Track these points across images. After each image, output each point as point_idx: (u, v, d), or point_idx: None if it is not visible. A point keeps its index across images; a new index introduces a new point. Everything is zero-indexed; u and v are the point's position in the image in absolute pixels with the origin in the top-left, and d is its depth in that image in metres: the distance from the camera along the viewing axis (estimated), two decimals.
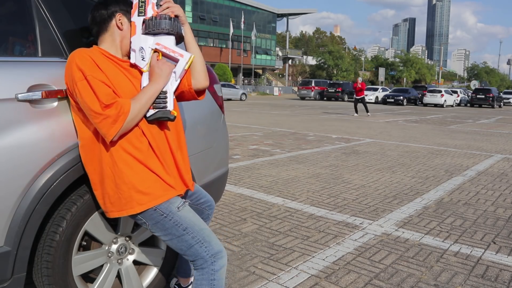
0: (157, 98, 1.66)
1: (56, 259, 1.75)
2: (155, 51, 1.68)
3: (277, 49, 65.78)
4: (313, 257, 2.91)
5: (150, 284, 2.14)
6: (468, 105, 33.38)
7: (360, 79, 17.57)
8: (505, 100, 36.03)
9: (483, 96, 31.53)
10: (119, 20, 1.71)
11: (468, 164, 6.75)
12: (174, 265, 2.20)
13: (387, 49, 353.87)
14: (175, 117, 1.68)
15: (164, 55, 1.69)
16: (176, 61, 1.70)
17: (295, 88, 49.88)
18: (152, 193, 1.65)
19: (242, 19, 50.25)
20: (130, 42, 1.69)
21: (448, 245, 3.20)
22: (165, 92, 1.68)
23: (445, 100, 29.69)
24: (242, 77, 54.34)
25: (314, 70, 64.17)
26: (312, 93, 35.73)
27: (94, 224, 1.86)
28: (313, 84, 36.18)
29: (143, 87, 1.66)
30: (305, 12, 66.81)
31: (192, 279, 2.25)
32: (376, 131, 11.49)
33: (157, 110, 1.66)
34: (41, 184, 1.68)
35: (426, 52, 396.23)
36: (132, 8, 1.70)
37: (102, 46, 1.71)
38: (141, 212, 1.66)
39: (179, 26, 1.70)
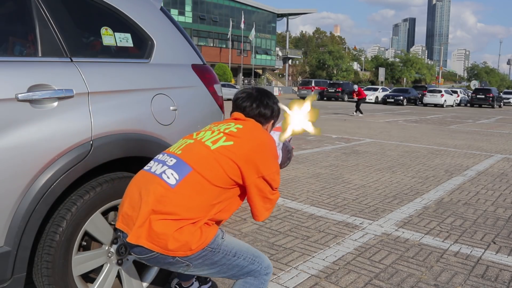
0: None
1: (56, 259, 1.75)
2: None
3: (277, 49, 65.76)
4: (313, 257, 2.91)
5: (150, 284, 2.13)
6: (468, 105, 33.37)
7: (355, 87, 18.39)
8: (505, 100, 36.00)
9: (483, 96, 31.51)
10: (270, 126, 1.92)
11: (468, 164, 6.75)
12: None
13: (387, 49, 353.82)
14: None
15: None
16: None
17: (295, 88, 49.87)
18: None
19: (242, 19, 50.23)
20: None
21: (448, 245, 3.20)
22: None
23: (445, 100, 29.67)
24: (242, 77, 54.32)
25: (314, 70, 64.15)
26: (312, 93, 35.69)
27: (94, 224, 1.86)
28: (313, 84, 36.17)
29: None
30: (305, 12, 66.77)
31: (193, 280, 2.24)
32: (376, 131, 11.49)
33: None
34: (41, 184, 1.68)
35: (426, 52, 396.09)
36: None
37: None
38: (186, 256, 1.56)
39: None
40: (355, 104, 18.60)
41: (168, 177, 1.57)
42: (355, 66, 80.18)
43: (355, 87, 18.51)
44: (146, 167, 1.69)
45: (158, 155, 1.73)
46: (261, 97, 1.83)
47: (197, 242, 1.54)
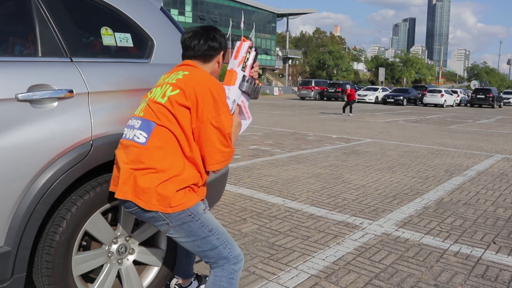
0: None
1: (56, 259, 1.75)
2: (237, 106, 1.91)
3: (277, 49, 65.77)
4: (313, 257, 2.91)
5: (150, 284, 2.14)
6: (468, 105, 33.37)
7: (348, 86, 18.30)
8: (505, 100, 36.00)
9: (483, 96, 31.51)
10: (221, 58, 1.89)
11: (468, 164, 6.75)
12: (174, 265, 2.20)
13: (387, 49, 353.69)
14: None
15: (241, 111, 1.94)
16: (244, 119, 1.97)
17: (295, 88, 49.86)
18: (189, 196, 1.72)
19: (242, 19, 50.22)
20: (227, 91, 1.84)
21: (448, 245, 3.20)
22: None
23: (445, 100, 29.67)
24: None
25: (314, 70, 64.16)
26: (312, 93, 35.71)
27: (94, 224, 1.86)
28: (313, 84, 36.16)
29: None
30: (305, 12, 66.79)
31: (192, 279, 2.26)
32: (376, 131, 11.49)
33: None
34: (41, 184, 1.68)
35: (426, 52, 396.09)
36: (225, 52, 1.91)
37: None
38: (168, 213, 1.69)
39: (258, 93, 1.98)
40: (344, 104, 18.40)
41: (138, 138, 1.71)
42: (361, 66, 79.93)
43: (348, 86, 18.32)
44: (122, 136, 1.81)
45: (129, 121, 1.83)
46: (206, 31, 1.85)
47: (178, 201, 1.66)
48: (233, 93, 1.87)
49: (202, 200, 1.82)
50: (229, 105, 1.82)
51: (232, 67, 1.90)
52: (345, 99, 18.39)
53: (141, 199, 1.66)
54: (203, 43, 1.82)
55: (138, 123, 1.74)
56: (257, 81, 1.96)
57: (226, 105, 1.74)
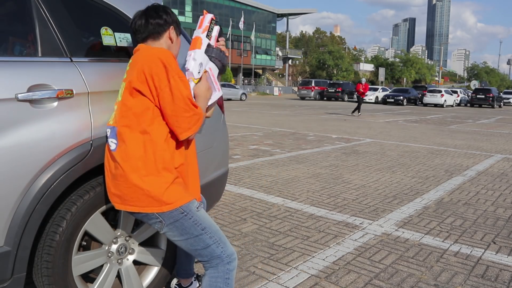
0: None
1: (56, 259, 1.75)
2: (205, 72, 1.87)
3: (277, 49, 65.79)
4: (313, 257, 2.91)
5: (150, 284, 2.14)
6: (468, 105, 33.37)
7: (363, 80, 17.58)
8: (505, 100, 36.00)
9: (483, 96, 31.51)
10: (172, 33, 1.84)
11: (468, 164, 6.75)
12: (174, 265, 2.20)
13: (387, 49, 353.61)
14: None
15: (209, 80, 1.88)
16: (214, 90, 1.91)
17: (295, 88, 49.87)
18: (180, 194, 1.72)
19: (242, 19, 50.23)
20: (192, 54, 1.82)
21: (448, 245, 3.20)
22: None
23: (445, 100, 29.67)
24: (242, 77, 54.34)
25: (314, 70, 64.18)
26: (312, 93, 35.71)
27: (94, 224, 1.86)
28: (313, 84, 36.16)
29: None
30: (305, 12, 66.80)
31: (192, 279, 2.25)
32: (376, 131, 11.49)
33: None
34: (41, 184, 1.68)
35: (426, 52, 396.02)
36: (178, 23, 1.88)
37: None
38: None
39: (226, 67, 1.97)
40: (357, 102, 17.85)
41: (111, 146, 1.74)
42: (369, 67, 79.51)
43: (363, 80, 17.60)
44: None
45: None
46: (147, 11, 1.82)
47: (170, 198, 1.66)
48: (199, 56, 1.83)
49: (198, 199, 1.82)
50: (196, 67, 1.79)
51: (196, 34, 1.87)
52: (355, 96, 17.71)
53: (131, 205, 1.68)
54: (145, 22, 1.79)
55: (109, 131, 1.77)
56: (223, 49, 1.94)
57: (176, 69, 1.68)
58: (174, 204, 1.68)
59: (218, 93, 1.92)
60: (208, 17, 1.90)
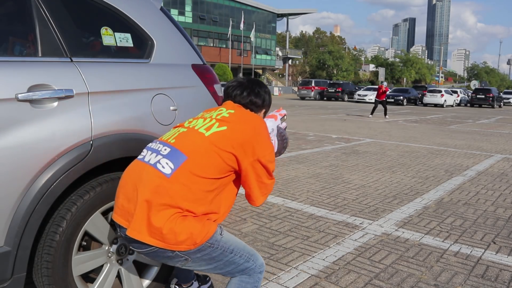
0: None
1: (56, 259, 1.75)
2: None
3: (277, 49, 65.77)
4: (313, 257, 2.91)
5: (150, 284, 2.14)
6: (468, 105, 33.36)
7: (385, 84, 17.29)
8: (505, 100, 35.99)
9: (483, 96, 31.50)
10: (261, 114, 1.91)
11: (468, 164, 6.75)
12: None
13: (387, 49, 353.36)
14: None
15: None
16: None
17: (295, 88, 49.85)
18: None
19: (242, 19, 50.22)
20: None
21: (448, 245, 3.20)
22: None
23: (445, 100, 29.66)
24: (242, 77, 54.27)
25: (314, 70, 64.18)
26: (312, 93, 35.70)
27: (94, 224, 1.86)
28: (313, 84, 36.16)
29: None
30: (305, 12, 66.77)
31: (193, 281, 2.24)
32: (376, 131, 11.48)
33: None
34: (41, 184, 1.68)
35: (426, 52, 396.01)
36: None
37: None
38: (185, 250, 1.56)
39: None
40: (382, 106, 17.30)
41: (163, 167, 1.54)
42: (373, 67, 79.44)
43: (384, 83, 17.24)
44: (139, 157, 1.67)
45: (150, 143, 1.71)
46: (252, 85, 1.83)
47: (198, 236, 1.52)
48: (271, 126, 1.94)
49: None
50: (271, 136, 1.87)
51: (272, 113, 2.03)
52: (376, 98, 17.29)
53: (157, 239, 1.49)
54: (246, 96, 1.80)
55: (165, 150, 1.59)
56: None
57: (270, 141, 1.74)
58: (202, 242, 1.55)
59: None
60: (283, 112, 2.07)
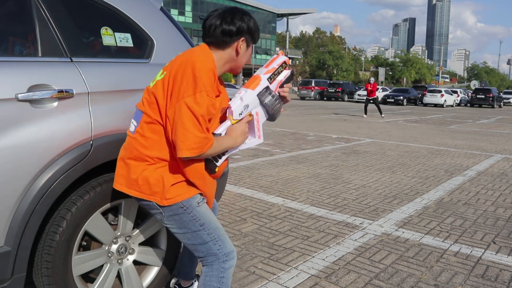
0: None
1: (56, 259, 1.75)
2: (250, 115, 1.74)
3: (277, 49, 65.76)
4: (313, 257, 2.91)
5: (150, 284, 2.14)
6: (468, 105, 33.37)
7: (372, 80, 17.10)
8: (505, 100, 35.99)
9: (483, 96, 31.51)
10: (241, 45, 1.69)
11: (468, 164, 6.75)
12: (174, 265, 2.20)
13: (387, 49, 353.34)
14: (215, 172, 1.73)
15: (251, 125, 1.76)
16: (253, 136, 1.79)
17: (295, 88, 49.84)
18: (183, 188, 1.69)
19: None
20: (243, 92, 1.70)
21: (448, 245, 3.20)
22: (226, 152, 1.72)
23: (445, 100, 29.67)
24: (242, 77, 54.32)
25: (314, 70, 64.19)
26: (312, 93, 35.70)
27: (94, 224, 1.86)
28: (313, 84, 36.16)
29: (222, 133, 1.68)
30: (305, 12, 66.81)
31: (193, 281, 2.25)
32: (376, 131, 11.48)
33: (211, 161, 1.71)
34: (41, 184, 1.68)
35: (426, 52, 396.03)
36: (252, 38, 1.72)
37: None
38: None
39: (278, 114, 1.79)
40: (374, 104, 17.06)
41: (131, 127, 1.75)
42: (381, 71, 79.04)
43: (372, 80, 16.93)
44: None
45: None
46: (224, 14, 1.66)
47: (172, 193, 1.65)
48: (248, 98, 1.69)
49: (203, 194, 1.75)
50: (239, 108, 1.67)
51: (258, 73, 1.74)
52: (367, 97, 17.06)
53: (135, 190, 1.68)
54: (218, 26, 1.64)
55: (134, 112, 1.77)
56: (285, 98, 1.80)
57: (206, 86, 1.54)
58: (176, 199, 1.66)
59: (257, 140, 1.79)
60: (280, 59, 1.77)
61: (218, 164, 1.71)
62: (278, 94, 1.76)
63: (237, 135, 1.68)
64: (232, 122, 1.69)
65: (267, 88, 1.72)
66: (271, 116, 1.79)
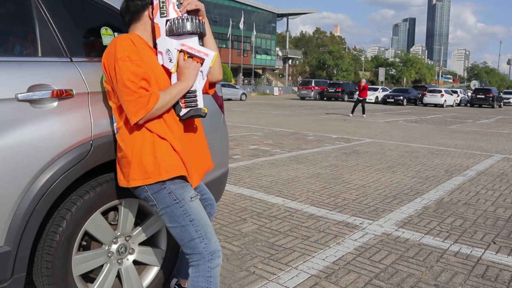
0: (188, 97, 1.72)
1: (56, 259, 1.75)
2: (181, 51, 1.71)
3: (277, 49, 65.78)
4: (313, 257, 2.91)
5: (150, 284, 2.14)
6: (468, 105, 33.37)
7: (364, 81, 17.28)
8: (505, 100, 36.01)
9: (483, 96, 31.52)
10: (151, 13, 1.74)
11: (468, 164, 6.75)
12: (174, 265, 2.20)
13: (387, 49, 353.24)
14: (206, 113, 1.77)
15: (190, 55, 1.72)
16: (201, 60, 1.73)
17: (295, 88, 49.85)
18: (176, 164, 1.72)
19: (242, 19, 50.21)
20: (156, 44, 1.71)
21: (448, 245, 3.20)
22: (195, 91, 1.74)
23: (445, 100, 29.68)
24: (242, 77, 54.34)
25: (314, 70, 64.19)
26: (312, 93, 35.71)
27: (94, 224, 1.86)
28: (313, 84, 36.16)
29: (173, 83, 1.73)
30: (305, 12, 66.79)
31: None
32: (376, 131, 11.49)
33: (189, 109, 1.73)
34: (41, 184, 1.68)
35: (426, 52, 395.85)
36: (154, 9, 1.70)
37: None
38: (154, 192, 1.71)
39: (202, 26, 1.70)
40: (357, 103, 17.52)
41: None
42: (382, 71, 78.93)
43: (363, 80, 17.22)
44: None
45: None
46: None
47: (153, 164, 1.66)
48: (161, 45, 1.69)
49: (195, 181, 1.81)
50: (165, 59, 1.69)
51: (155, 21, 1.69)
52: (358, 97, 17.31)
53: (134, 180, 1.70)
54: (125, 5, 1.75)
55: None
56: (200, 17, 1.72)
57: (125, 52, 1.60)
58: (159, 170, 1.67)
59: (208, 58, 1.73)
60: None
61: (199, 106, 1.73)
62: (181, 18, 1.66)
63: (184, 75, 1.70)
64: (174, 72, 1.72)
65: (166, 21, 1.66)
66: (199, 34, 1.72)
